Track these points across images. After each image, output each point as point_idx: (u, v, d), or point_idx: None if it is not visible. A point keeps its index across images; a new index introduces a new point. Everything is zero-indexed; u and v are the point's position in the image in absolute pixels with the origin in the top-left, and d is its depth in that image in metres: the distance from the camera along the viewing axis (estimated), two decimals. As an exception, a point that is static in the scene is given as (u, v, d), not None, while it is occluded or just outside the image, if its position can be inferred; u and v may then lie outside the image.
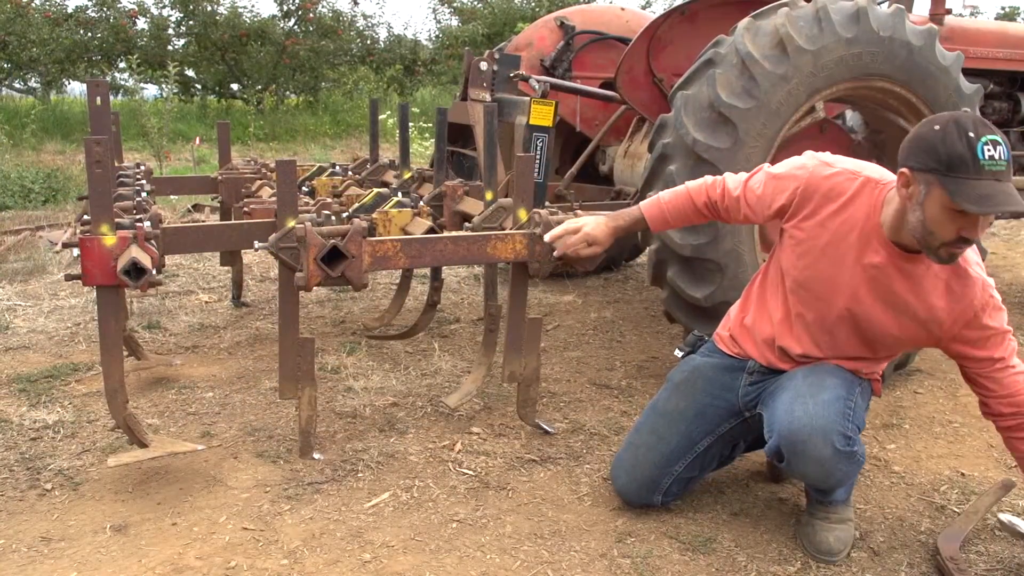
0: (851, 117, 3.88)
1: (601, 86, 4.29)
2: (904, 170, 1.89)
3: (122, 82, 13.46)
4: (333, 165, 4.02)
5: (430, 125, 8.86)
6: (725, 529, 2.31)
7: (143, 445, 2.40)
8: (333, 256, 2.32)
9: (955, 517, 2.39)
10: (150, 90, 12.71)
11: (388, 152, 7.40)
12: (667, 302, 3.08)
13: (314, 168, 3.97)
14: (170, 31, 13.45)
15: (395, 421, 2.91)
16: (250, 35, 13.25)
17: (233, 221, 3.32)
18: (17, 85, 13.88)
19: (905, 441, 2.91)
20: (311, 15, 13.97)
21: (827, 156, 2.17)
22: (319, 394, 2.75)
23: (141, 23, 13.27)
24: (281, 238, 2.35)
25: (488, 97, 3.69)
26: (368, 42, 15.15)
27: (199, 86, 14.20)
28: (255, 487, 2.44)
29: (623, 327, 4.12)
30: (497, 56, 3.78)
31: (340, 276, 2.34)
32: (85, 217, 2.28)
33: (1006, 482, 2.49)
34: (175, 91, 12.29)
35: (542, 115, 3.39)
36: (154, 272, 2.20)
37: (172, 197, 6.80)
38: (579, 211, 2.65)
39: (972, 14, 9.40)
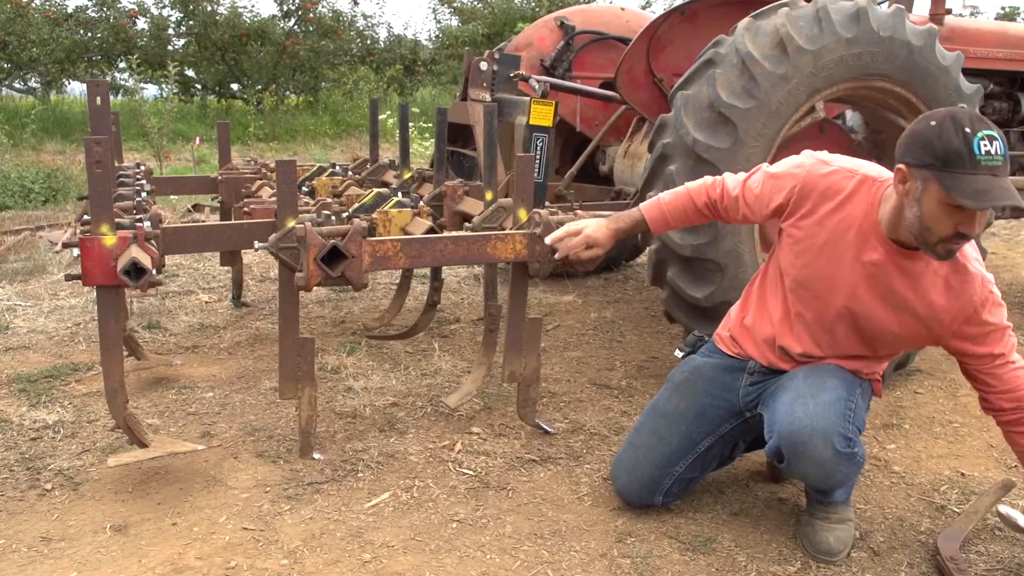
0: (851, 117, 3.88)
1: (601, 86, 4.29)
2: (901, 166, 1.89)
3: (122, 82, 13.46)
4: (333, 165, 4.01)
5: (430, 125, 8.86)
6: (725, 529, 2.30)
7: (143, 445, 2.40)
8: (333, 256, 2.32)
9: (955, 517, 2.38)
10: (150, 90, 12.75)
11: (388, 152, 7.40)
12: (667, 302, 3.08)
13: (314, 168, 3.96)
14: (170, 31, 13.45)
15: (395, 421, 2.91)
16: (250, 35, 13.25)
17: (233, 221, 3.32)
18: (17, 85, 13.88)
19: (905, 441, 2.91)
20: (311, 15, 13.97)
21: (824, 155, 2.17)
22: (319, 394, 2.75)
23: (141, 23, 13.29)
24: (281, 238, 2.35)
25: (488, 97, 3.68)
26: (368, 42, 15.15)
27: (199, 86, 14.21)
28: (255, 487, 2.44)
29: (623, 327, 4.12)
30: (497, 56, 3.78)
31: (340, 276, 2.34)
32: (85, 217, 2.28)
33: (1006, 482, 2.49)
34: (175, 91, 12.29)
35: (542, 115, 3.39)
36: (154, 272, 2.20)
37: (172, 197, 6.80)
38: (579, 211, 2.65)
39: (972, 14, 9.40)
